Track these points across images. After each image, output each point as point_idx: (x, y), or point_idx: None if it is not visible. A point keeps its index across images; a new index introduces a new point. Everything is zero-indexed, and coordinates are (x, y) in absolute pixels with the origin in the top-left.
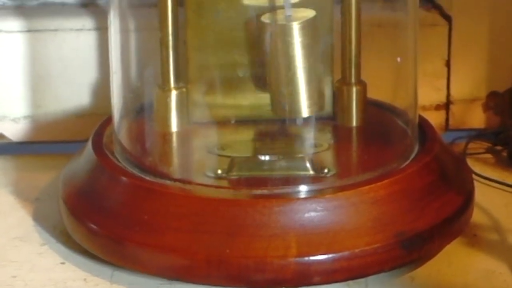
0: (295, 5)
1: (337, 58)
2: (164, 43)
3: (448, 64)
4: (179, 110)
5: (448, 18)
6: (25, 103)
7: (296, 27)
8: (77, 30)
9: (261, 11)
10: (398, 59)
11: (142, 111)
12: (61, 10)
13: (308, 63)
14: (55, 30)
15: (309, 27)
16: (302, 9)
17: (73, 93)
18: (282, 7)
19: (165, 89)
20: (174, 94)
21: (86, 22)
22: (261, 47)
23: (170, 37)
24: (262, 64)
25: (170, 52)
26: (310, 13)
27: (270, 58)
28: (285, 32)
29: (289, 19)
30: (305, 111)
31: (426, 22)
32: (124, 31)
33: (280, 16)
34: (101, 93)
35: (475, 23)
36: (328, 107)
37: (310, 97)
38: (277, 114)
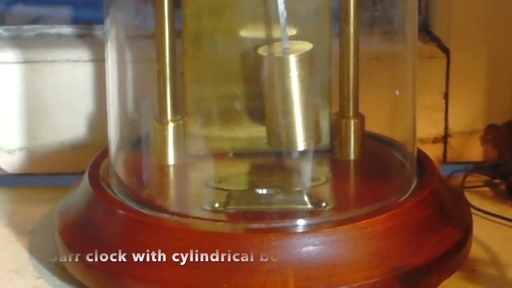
0: (292, 38)
1: (335, 91)
2: (162, 75)
3: (446, 97)
4: (176, 142)
5: (446, 50)
6: (21, 134)
7: (293, 60)
8: (74, 61)
9: (258, 43)
10: (397, 92)
11: (139, 143)
12: (58, 41)
13: (305, 96)
14: (52, 61)
15: (306, 59)
16: (299, 42)
17: (70, 124)
18: (279, 40)
19: (162, 122)
20: (171, 126)
21: (82, 54)
22: (258, 79)
23: (168, 69)
24: (259, 96)
25: (167, 84)
26: (307, 45)
27: (267, 90)
28: (282, 64)
29: (286, 51)
30: (301, 144)
31: (424, 54)
32: (121, 63)
33: (277, 48)
34: (97, 125)
35: (473, 56)
36: (325, 140)
37: (306, 130)
38: (272, 147)
